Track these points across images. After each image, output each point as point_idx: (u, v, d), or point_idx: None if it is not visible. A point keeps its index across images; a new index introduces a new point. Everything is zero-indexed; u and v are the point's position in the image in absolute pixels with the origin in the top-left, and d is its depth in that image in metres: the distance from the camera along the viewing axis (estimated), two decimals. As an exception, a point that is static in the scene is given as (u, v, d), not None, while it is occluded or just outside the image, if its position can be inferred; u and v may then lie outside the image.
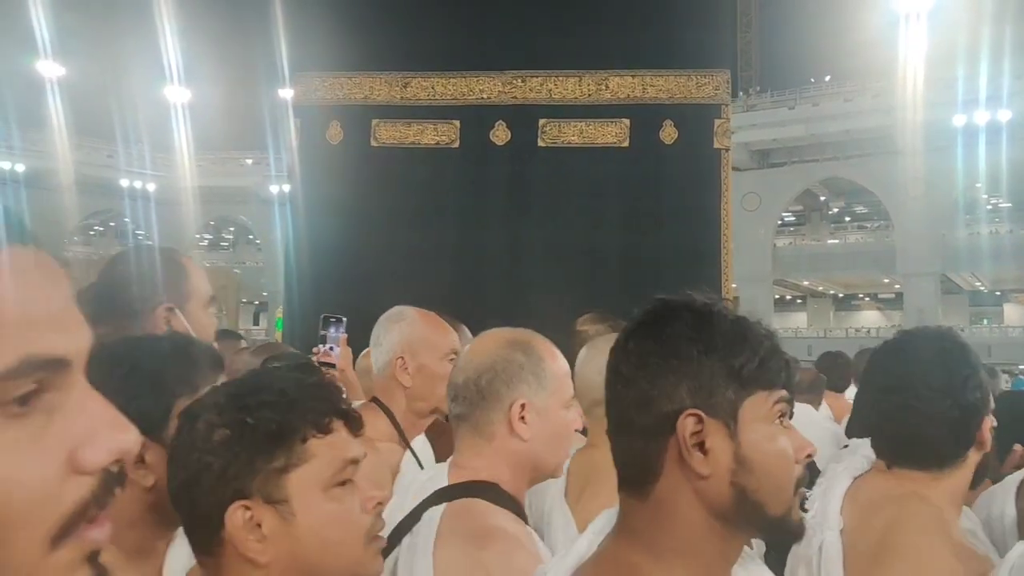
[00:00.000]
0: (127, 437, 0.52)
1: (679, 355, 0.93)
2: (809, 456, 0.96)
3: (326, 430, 1.01)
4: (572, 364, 2.18)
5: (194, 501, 0.99)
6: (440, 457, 2.02)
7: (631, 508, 0.98)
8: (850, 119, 26.35)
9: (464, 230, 6.90)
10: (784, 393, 0.95)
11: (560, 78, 6.86)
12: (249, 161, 34.79)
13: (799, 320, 37.51)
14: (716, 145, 6.79)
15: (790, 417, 0.97)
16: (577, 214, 6.83)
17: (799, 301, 38.20)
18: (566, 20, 6.84)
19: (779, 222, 31.41)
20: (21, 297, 0.48)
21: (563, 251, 6.72)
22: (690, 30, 6.76)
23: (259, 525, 0.98)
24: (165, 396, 1.16)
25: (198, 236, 38.47)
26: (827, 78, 30.33)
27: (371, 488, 1.07)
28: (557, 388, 1.47)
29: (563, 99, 6.88)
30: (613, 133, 6.89)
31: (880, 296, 35.55)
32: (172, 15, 27.55)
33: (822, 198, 33.21)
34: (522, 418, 1.43)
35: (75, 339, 0.51)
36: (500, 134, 6.93)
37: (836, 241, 32.65)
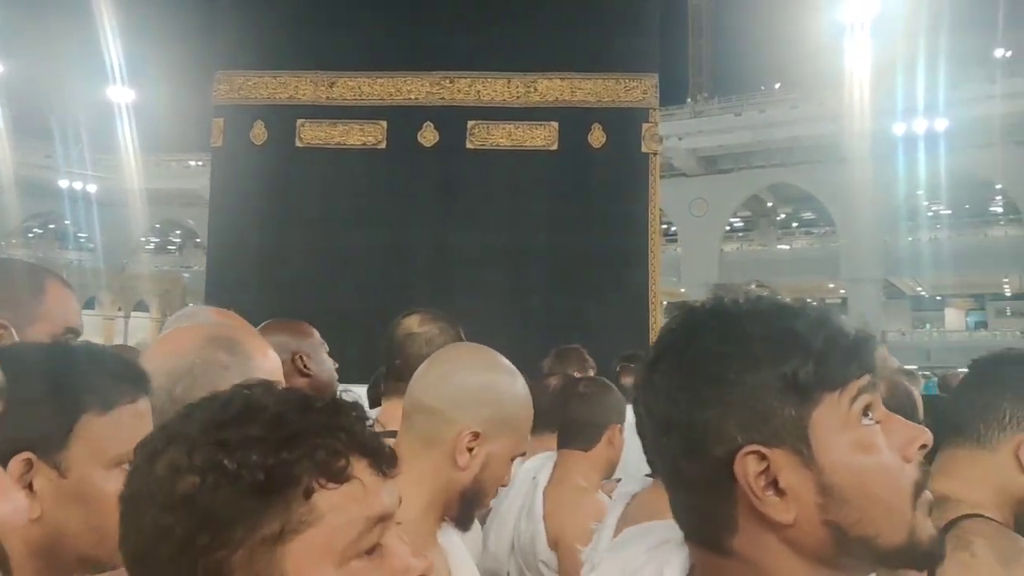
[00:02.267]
0: (9, 506, 0.33)
1: (713, 380, 0.73)
2: (924, 447, 0.75)
3: (342, 476, 0.70)
4: (408, 363, 2.02)
5: None
6: None
7: (713, 565, 0.78)
8: (796, 126, 26.78)
9: (391, 232, 6.80)
10: (863, 382, 0.74)
11: (489, 80, 6.80)
12: (195, 163, 34.20)
13: (748, 324, 38.06)
14: (644, 149, 6.79)
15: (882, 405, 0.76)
16: (505, 217, 6.78)
17: (747, 306, 38.74)
18: (495, 22, 6.78)
19: (727, 228, 31.83)
20: None
21: (491, 253, 6.67)
22: (618, 35, 6.77)
23: None
24: (68, 409, 0.94)
25: (144, 239, 37.74)
26: (777, 85, 30.82)
27: (405, 554, 0.74)
28: None
29: (492, 101, 6.82)
30: (542, 136, 6.86)
31: (827, 301, 36.25)
32: (113, 13, 26.98)
33: (769, 204, 33.71)
34: None
35: None
36: (428, 135, 6.85)
37: (785, 247, 33.17)
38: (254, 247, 6.84)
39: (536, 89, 6.84)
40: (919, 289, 32.93)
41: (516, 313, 6.47)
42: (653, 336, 6.55)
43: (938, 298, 34.39)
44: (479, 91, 6.87)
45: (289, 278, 6.54)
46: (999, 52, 27.39)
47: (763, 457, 0.72)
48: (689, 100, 30.02)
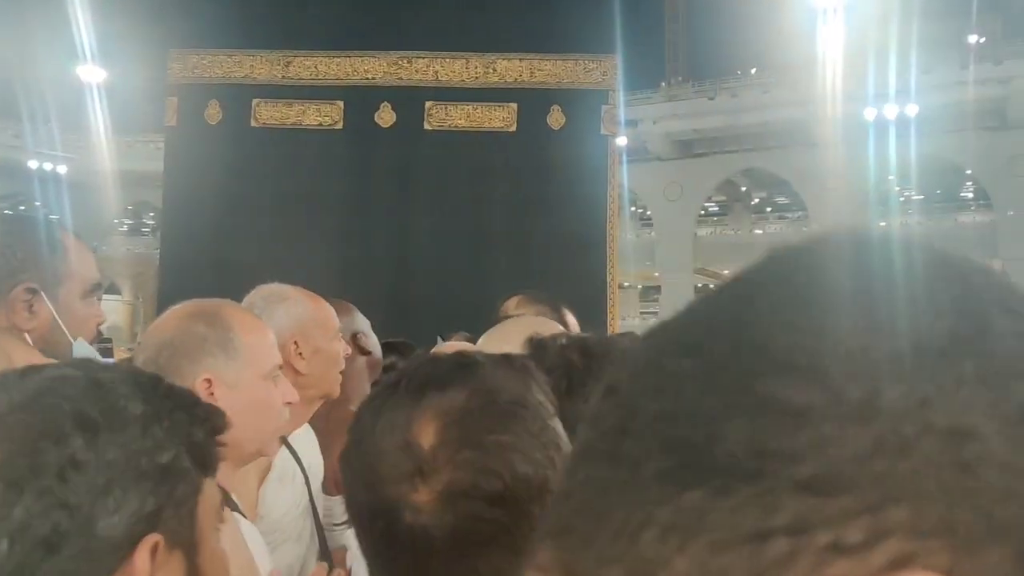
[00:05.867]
0: None
1: None
2: None
3: None
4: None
5: None
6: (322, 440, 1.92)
7: None
8: (768, 111, 26.85)
9: (348, 214, 6.75)
10: None
11: (447, 60, 6.75)
12: (167, 144, 33.69)
13: (722, 308, 38.37)
14: (603, 131, 6.78)
15: None
16: (464, 199, 6.75)
17: (722, 290, 38.97)
18: (454, 1, 6.73)
19: (702, 212, 31.92)
20: None
21: (450, 236, 6.64)
22: (578, 16, 6.73)
23: None
24: None
25: (117, 221, 37.27)
26: (753, 70, 30.86)
27: None
28: (252, 359, 1.37)
29: (450, 81, 6.77)
30: (501, 117, 6.82)
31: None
32: (84, -10, 26.47)
33: (743, 188, 33.83)
34: (211, 394, 1.31)
35: None
36: (385, 116, 6.79)
37: (759, 231, 33.32)
38: (209, 228, 6.77)
39: (495, 70, 6.79)
40: (891, 274, 33.14)
41: (474, 294, 6.45)
42: (610, 319, 6.57)
43: (909, 283, 34.62)
44: (437, 71, 6.82)
45: (244, 260, 6.47)
46: (972, 38, 27.58)
47: None
48: (663, 84, 30.02)
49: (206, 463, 0.74)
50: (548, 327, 1.67)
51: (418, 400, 0.75)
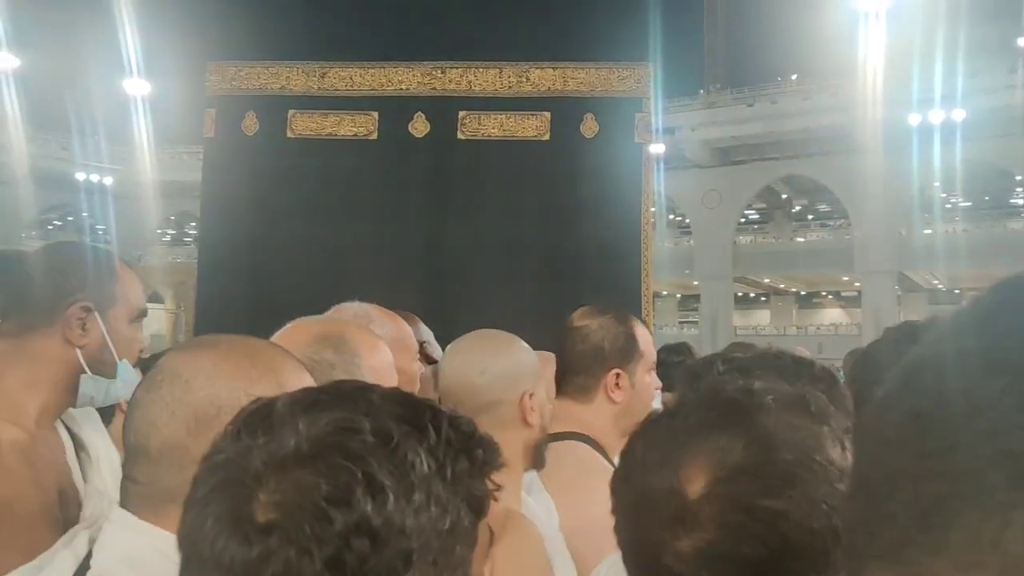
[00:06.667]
0: None
1: None
2: None
3: None
4: (563, 358, 1.97)
5: None
6: None
7: None
8: (808, 117, 26.49)
9: (382, 224, 6.78)
10: None
11: (480, 69, 6.75)
12: (209, 155, 34.28)
13: (762, 317, 37.85)
14: (637, 139, 6.73)
15: None
16: (497, 208, 6.74)
17: (762, 298, 38.46)
18: (487, 11, 6.75)
19: (742, 219, 31.57)
20: None
21: (482, 245, 6.63)
22: (611, 24, 6.73)
23: None
24: None
25: (160, 231, 38.01)
26: (794, 76, 30.53)
27: None
28: (376, 383, 1.33)
29: (483, 91, 6.77)
30: (534, 126, 6.80)
31: (842, 294, 35.88)
32: (131, 4, 27.11)
33: (784, 196, 33.40)
34: None
35: None
36: (419, 126, 6.81)
37: (800, 239, 32.87)
38: (245, 237, 6.85)
39: (528, 79, 6.79)
40: (936, 282, 32.52)
41: (508, 304, 6.42)
42: (645, 328, 6.51)
43: (956, 291, 34.01)
44: (471, 81, 6.84)
45: (280, 268, 6.55)
46: (1021, 41, 26.96)
47: None
48: (702, 91, 29.78)
49: (482, 510, 0.67)
50: (510, 340, 1.65)
51: (691, 440, 0.71)
